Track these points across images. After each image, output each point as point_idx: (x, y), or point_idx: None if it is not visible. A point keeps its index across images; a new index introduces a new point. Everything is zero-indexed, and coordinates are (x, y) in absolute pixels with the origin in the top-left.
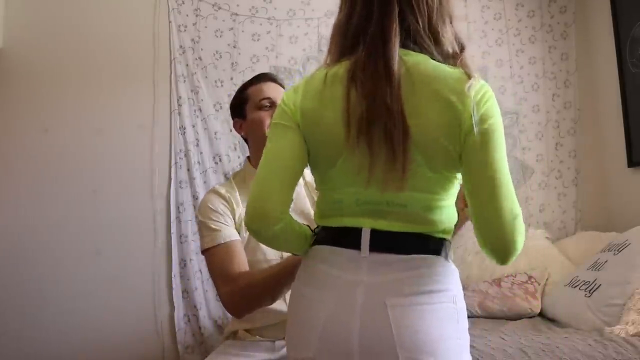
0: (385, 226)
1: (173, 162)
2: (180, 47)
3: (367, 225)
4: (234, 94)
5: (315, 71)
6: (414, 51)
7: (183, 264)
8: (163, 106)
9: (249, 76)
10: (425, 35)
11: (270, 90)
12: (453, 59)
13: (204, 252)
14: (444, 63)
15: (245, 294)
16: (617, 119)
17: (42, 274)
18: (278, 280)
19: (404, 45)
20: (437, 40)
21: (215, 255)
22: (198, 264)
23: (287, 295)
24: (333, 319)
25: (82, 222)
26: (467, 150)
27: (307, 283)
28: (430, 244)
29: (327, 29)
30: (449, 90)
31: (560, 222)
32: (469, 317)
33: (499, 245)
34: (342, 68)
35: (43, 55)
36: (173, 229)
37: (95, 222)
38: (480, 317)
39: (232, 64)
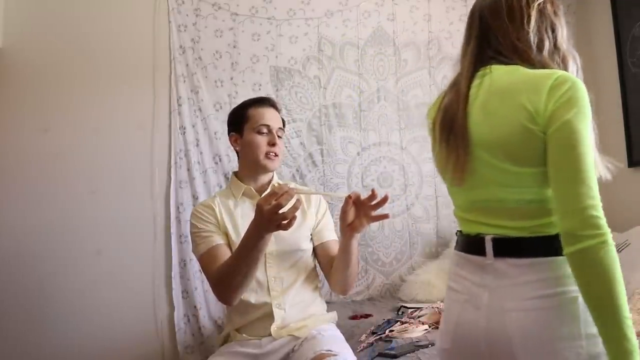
0: (503, 229)
1: (173, 162)
2: (180, 47)
3: (485, 228)
4: (234, 94)
5: None
6: (505, 64)
7: (183, 264)
8: (163, 106)
9: (249, 76)
10: (509, 50)
11: (270, 117)
12: (543, 67)
13: (198, 258)
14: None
15: (222, 279)
16: (617, 119)
17: (42, 274)
18: (238, 255)
19: (495, 61)
20: (518, 51)
21: (204, 260)
22: (198, 264)
23: (259, 289)
24: (464, 317)
25: (82, 222)
26: (547, 145)
27: (449, 286)
28: (550, 245)
29: (327, 29)
30: (521, 94)
31: None
32: None
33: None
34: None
35: (43, 55)
36: (173, 229)
37: (95, 222)
38: None
39: (232, 64)
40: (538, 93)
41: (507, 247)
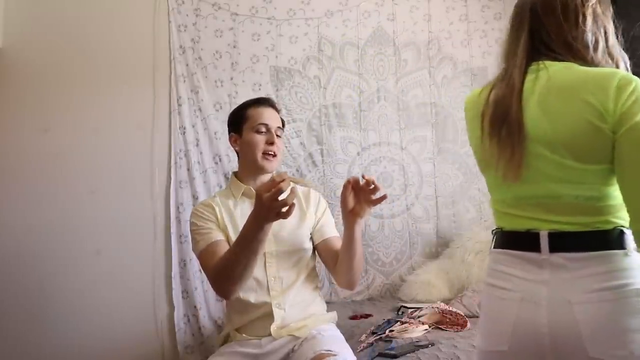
0: (558, 224)
1: (173, 162)
2: (180, 47)
3: (537, 223)
4: (234, 94)
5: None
6: (559, 60)
7: (183, 264)
8: (163, 106)
9: (249, 76)
10: (561, 47)
11: (268, 116)
12: (596, 65)
13: (198, 255)
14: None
15: (220, 272)
16: None
17: (42, 273)
18: (237, 247)
19: (547, 57)
20: (572, 49)
21: (204, 256)
22: (198, 264)
23: (259, 289)
24: (522, 316)
25: (82, 222)
26: (617, 145)
27: (495, 284)
28: (608, 239)
29: (327, 29)
30: (586, 91)
31: None
32: (469, 317)
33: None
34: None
35: (43, 55)
36: (173, 229)
37: (95, 222)
38: None
39: (232, 64)
40: (604, 91)
41: (564, 242)
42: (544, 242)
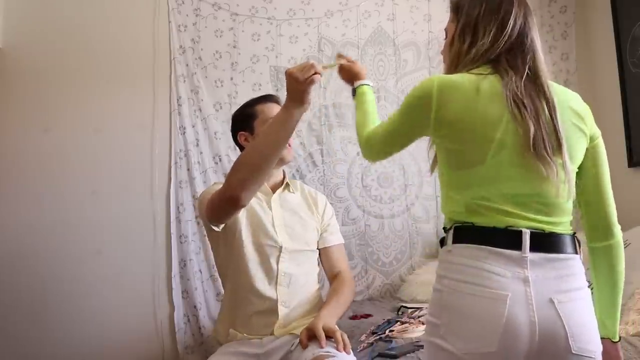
0: (539, 223)
1: (173, 162)
2: (180, 47)
3: (518, 221)
4: (234, 94)
5: (455, 75)
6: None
7: (183, 264)
8: (163, 106)
9: (249, 76)
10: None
11: (278, 110)
12: None
13: (207, 200)
14: None
15: (235, 165)
16: (617, 119)
17: (42, 274)
18: (260, 134)
19: None
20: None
21: (213, 194)
22: (198, 264)
23: (268, 280)
24: (514, 315)
25: (83, 222)
26: (588, 156)
27: (472, 282)
28: (573, 244)
29: (327, 29)
30: (577, 108)
31: None
32: None
33: (603, 223)
34: (494, 82)
35: (43, 55)
36: (173, 229)
37: (95, 222)
38: None
39: (232, 64)
40: (585, 115)
41: (543, 242)
42: (525, 241)
